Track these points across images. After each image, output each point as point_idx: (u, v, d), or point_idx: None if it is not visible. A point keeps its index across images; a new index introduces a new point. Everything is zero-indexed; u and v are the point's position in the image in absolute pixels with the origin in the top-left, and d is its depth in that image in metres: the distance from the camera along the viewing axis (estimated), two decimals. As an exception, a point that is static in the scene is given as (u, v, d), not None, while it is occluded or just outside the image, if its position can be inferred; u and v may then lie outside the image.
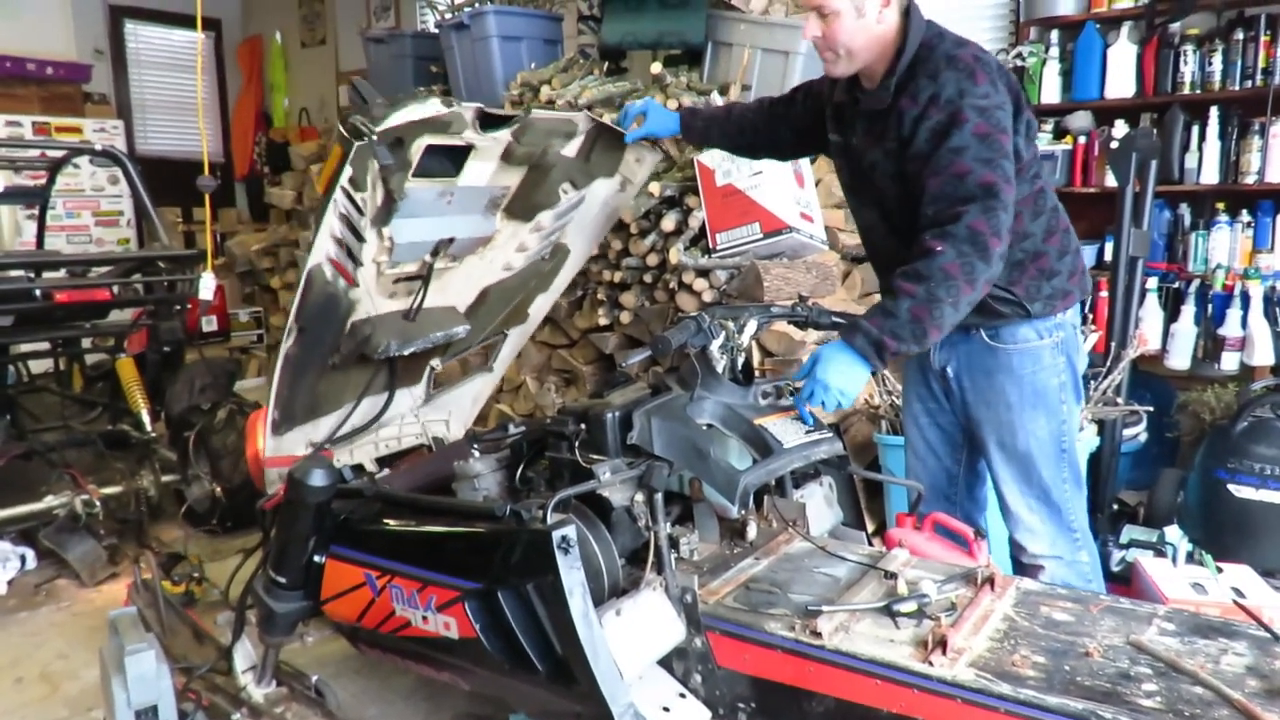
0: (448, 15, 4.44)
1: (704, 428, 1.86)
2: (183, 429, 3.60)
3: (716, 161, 3.24)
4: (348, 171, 1.90)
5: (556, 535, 1.58)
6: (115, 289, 3.45)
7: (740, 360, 1.99)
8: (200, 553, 3.21)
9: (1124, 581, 2.62)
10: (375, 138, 1.81)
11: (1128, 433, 3.73)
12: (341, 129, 1.81)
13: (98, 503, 3.29)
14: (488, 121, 2.12)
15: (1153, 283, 3.84)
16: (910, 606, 1.74)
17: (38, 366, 4.52)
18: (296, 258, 5.48)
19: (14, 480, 3.34)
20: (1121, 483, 3.84)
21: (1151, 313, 3.86)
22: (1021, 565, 2.24)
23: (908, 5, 1.98)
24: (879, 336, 1.86)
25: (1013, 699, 1.48)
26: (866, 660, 1.62)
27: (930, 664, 1.57)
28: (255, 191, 7.53)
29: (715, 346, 1.91)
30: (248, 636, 2.20)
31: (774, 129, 2.41)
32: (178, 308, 3.67)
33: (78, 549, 3.25)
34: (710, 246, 3.24)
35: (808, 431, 1.99)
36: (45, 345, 4.14)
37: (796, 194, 3.24)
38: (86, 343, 4.04)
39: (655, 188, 3.36)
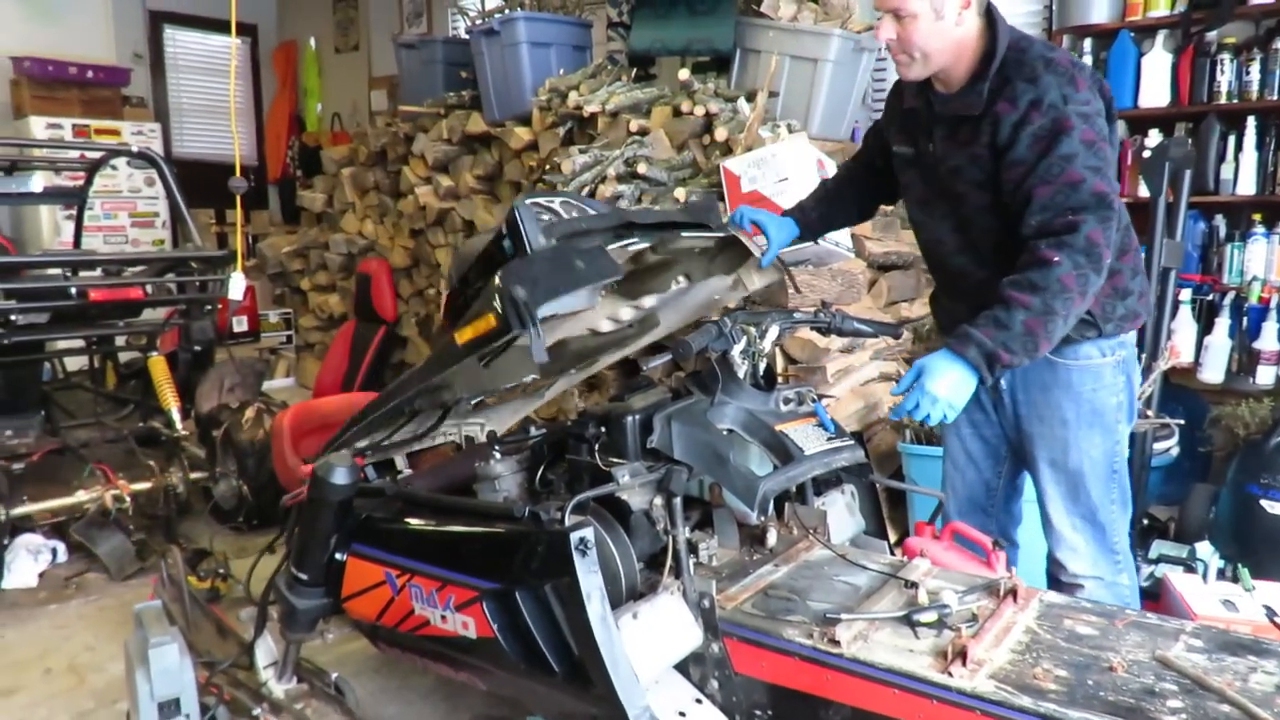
0: (478, 21, 4.48)
1: (724, 433, 1.86)
2: (211, 427, 3.65)
3: (742, 168, 3.23)
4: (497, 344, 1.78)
5: (574, 537, 1.58)
6: (148, 288, 3.51)
7: (762, 366, 1.98)
8: (226, 549, 3.25)
9: (1153, 597, 2.57)
10: (535, 329, 1.63)
11: (1159, 447, 3.67)
12: (498, 305, 1.64)
13: (127, 498, 3.34)
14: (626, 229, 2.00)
15: (1186, 294, 3.78)
16: (931, 617, 1.72)
17: (73, 364, 4.62)
18: (326, 260, 5.54)
19: (47, 475, 3.40)
20: (1153, 497, 3.78)
21: (1185, 325, 3.79)
22: (1060, 584, 2.18)
23: (988, 6, 1.93)
24: (992, 349, 1.79)
25: (1033, 712, 1.45)
26: (885, 669, 1.60)
27: (950, 675, 1.56)
28: (288, 194, 7.64)
29: (737, 352, 1.90)
30: (269, 633, 2.23)
31: (873, 179, 2.36)
32: (209, 307, 3.72)
33: (107, 544, 3.30)
34: (735, 252, 3.23)
35: (829, 439, 1.98)
36: (80, 343, 4.23)
37: (823, 201, 3.22)
38: (120, 341, 4.11)
39: (681, 193, 3.37)
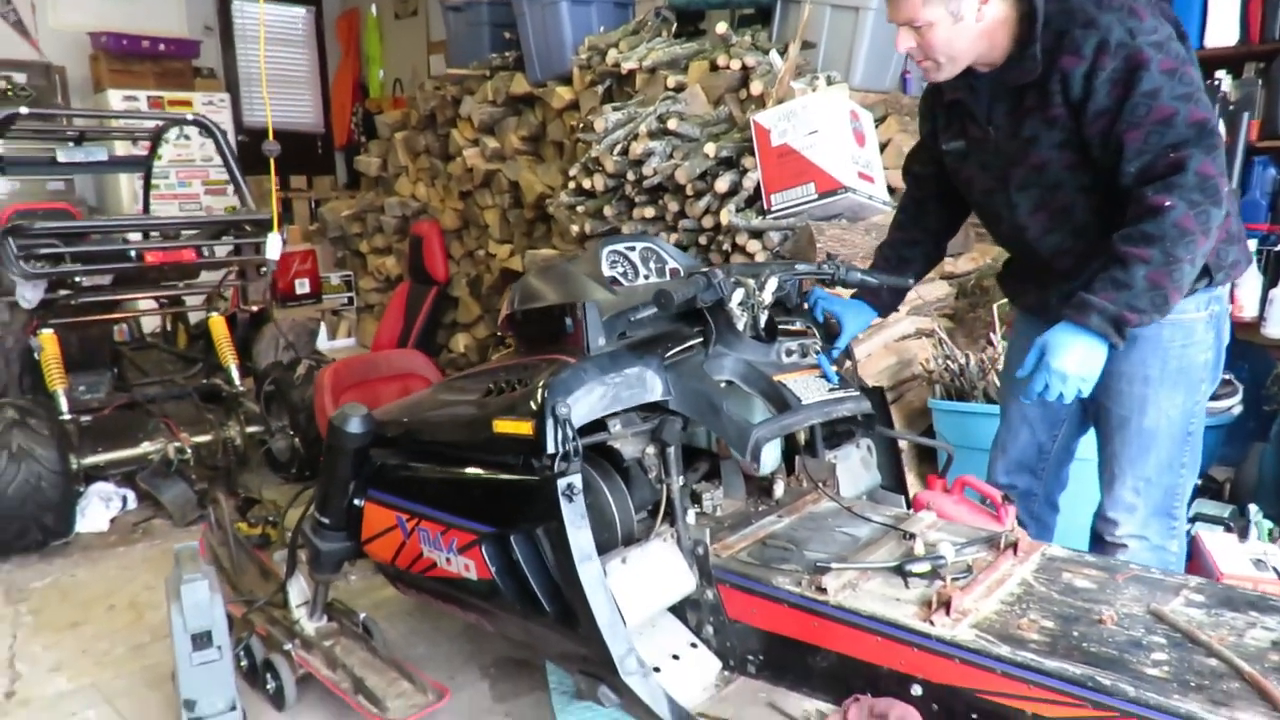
0: (521, -20, 4.47)
1: (722, 384, 1.87)
2: (265, 383, 3.82)
3: (772, 121, 3.19)
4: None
5: (561, 483, 1.63)
6: (204, 251, 3.67)
7: (763, 318, 1.97)
8: (279, 498, 3.42)
9: (1185, 557, 2.49)
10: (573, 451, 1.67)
11: (1220, 405, 3.51)
12: (539, 419, 1.66)
13: (189, 450, 3.54)
14: None
15: (1252, 244, 3.57)
16: (923, 567, 1.72)
17: (149, 326, 4.87)
18: (381, 223, 5.68)
19: (119, 428, 3.62)
20: (1213, 458, 3.63)
21: (1249, 277, 3.60)
22: (1103, 542, 2.08)
23: None
24: (1117, 312, 1.71)
25: (1009, 660, 1.45)
26: (868, 617, 1.62)
27: (931, 623, 1.56)
28: (353, 160, 7.82)
29: (735, 304, 1.90)
30: (300, 574, 2.35)
31: (940, 198, 2.22)
32: (263, 269, 3.87)
33: (170, 492, 3.51)
34: (765, 208, 3.20)
35: (830, 389, 1.97)
36: (151, 304, 4.47)
37: (855, 153, 3.16)
38: (192, 302, 4.32)
39: (711, 149, 3.34)
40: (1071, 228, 1.93)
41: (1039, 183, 1.90)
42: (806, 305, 2.17)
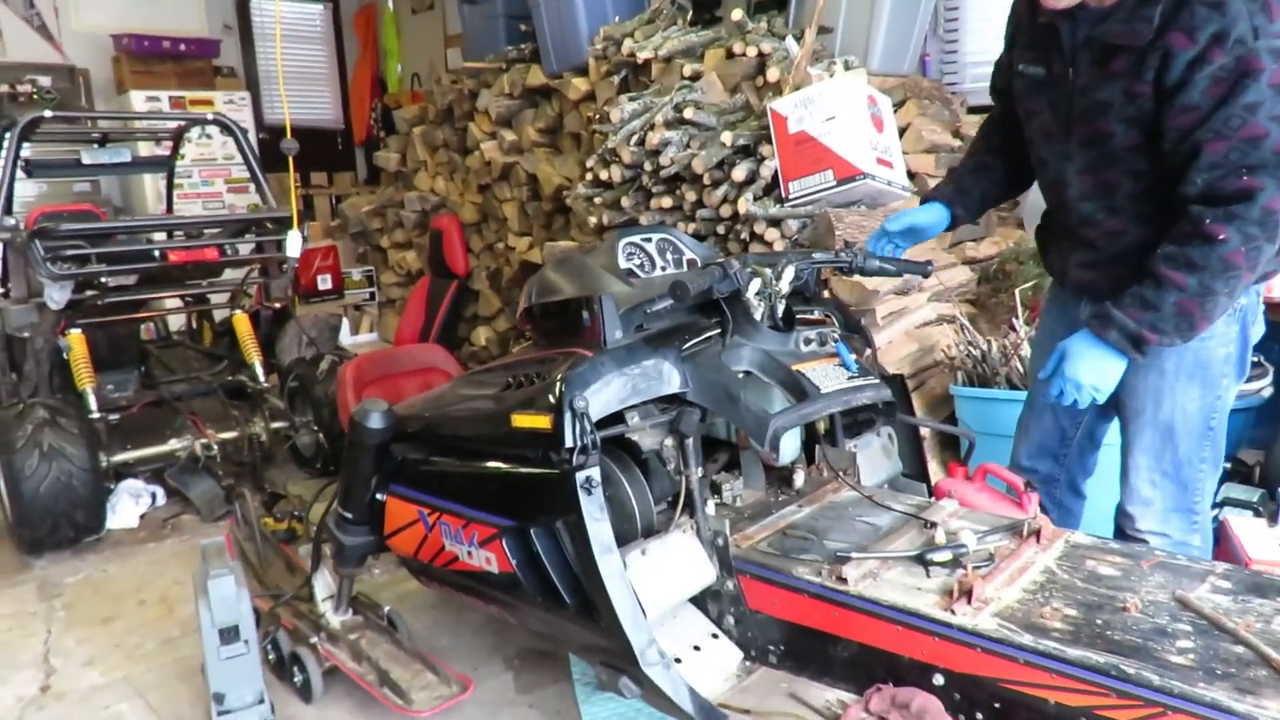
0: (535, -28, 4.47)
1: (740, 375, 1.86)
2: (289, 379, 3.86)
3: (789, 108, 3.16)
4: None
5: (580, 476, 1.63)
6: (227, 249, 3.71)
7: (780, 307, 1.97)
8: (304, 493, 3.46)
9: (1213, 543, 2.45)
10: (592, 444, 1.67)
11: (1250, 387, 3.45)
12: (558, 411, 1.66)
13: (215, 446, 3.59)
14: None
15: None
16: (945, 556, 1.71)
17: (175, 324, 4.94)
18: (401, 218, 5.71)
19: (148, 425, 3.68)
20: (1243, 441, 3.58)
21: (1279, 257, 3.53)
22: (1125, 536, 2.04)
23: None
24: (1137, 331, 1.70)
25: (1032, 649, 1.44)
26: (889, 607, 1.61)
27: (953, 612, 1.55)
28: (373, 156, 7.86)
29: (752, 294, 1.90)
30: (325, 568, 2.38)
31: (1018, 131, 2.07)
32: (285, 265, 3.91)
33: (198, 488, 3.56)
34: (783, 196, 3.18)
35: (850, 378, 1.96)
36: (177, 303, 4.52)
37: (874, 139, 3.13)
38: (216, 300, 4.37)
39: (728, 137, 3.32)
40: (1110, 204, 1.85)
41: (1097, 148, 1.81)
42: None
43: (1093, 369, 1.75)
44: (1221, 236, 1.61)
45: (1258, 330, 1.93)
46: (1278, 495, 2.71)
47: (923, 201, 2.19)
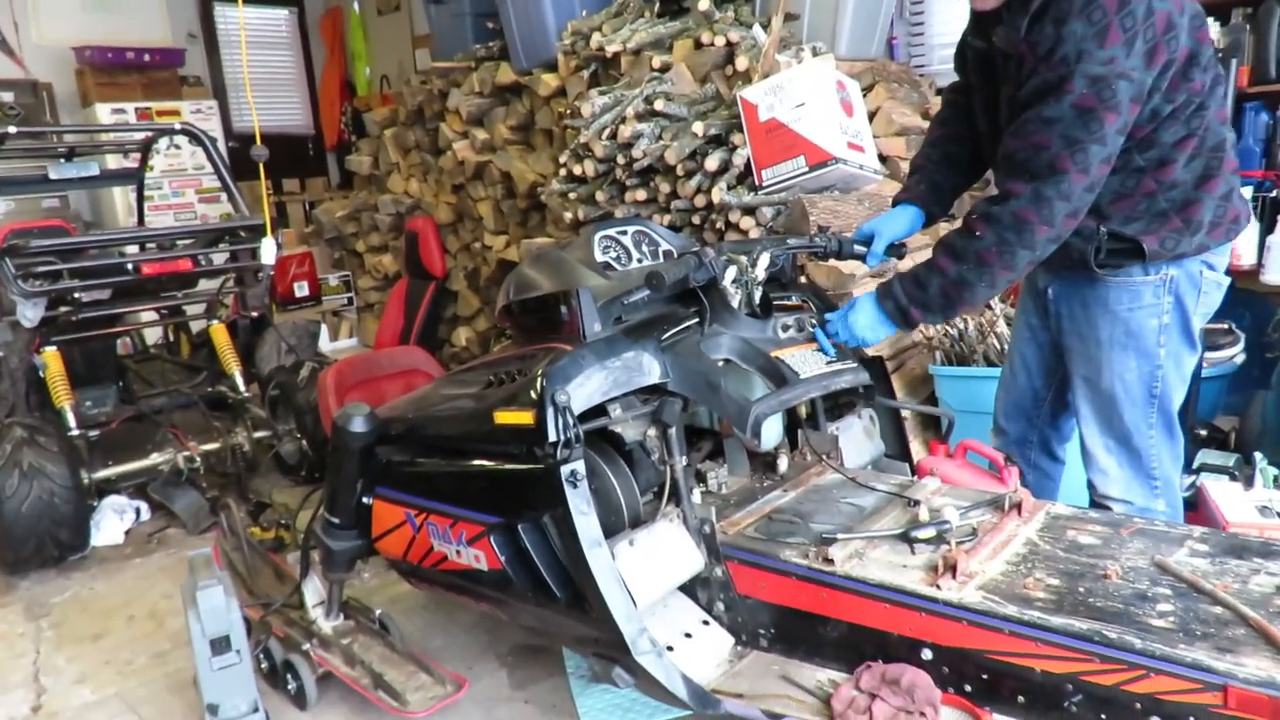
0: (500, -31, 4.45)
1: (719, 363, 1.88)
2: (269, 387, 3.84)
3: (759, 96, 3.18)
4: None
5: (564, 470, 1.64)
6: (199, 260, 3.68)
7: (757, 294, 1.98)
8: (289, 501, 3.44)
9: (1192, 508, 2.50)
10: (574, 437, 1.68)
11: (1222, 355, 3.51)
12: (540, 407, 1.67)
13: (198, 458, 3.56)
14: None
15: (1247, 192, 3.57)
16: (929, 533, 1.73)
17: (152, 337, 4.89)
18: (376, 221, 5.68)
19: (129, 441, 3.64)
20: (1219, 407, 3.63)
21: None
22: (1094, 504, 2.11)
23: None
24: (906, 305, 1.90)
25: (1016, 620, 1.46)
26: (876, 585, 1.63)
27: (938, 587, 1.57)
28: (344, 160, 7.80)
29: (729, 281, 1.91)
30: (315, 574, 2.37)
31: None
32: (260, 274, 3.88)
33: (182, 501, 3.53)
34: (757, 184, 3.20)
35: (828, 362, 1.98)
36: (152, 315, 4.48)
37: (844, 123, 3.15)
38: (193, 310, 4.33)
39: (699, 127, 3.33)
40: None
41: (999, 141, 1.88)
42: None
43: (865, 324, 1.96)
44: (978, 233, 1.78)
45: (1208, 300, 1.96)
46: (1253, 460, 2.75)
47: (894, 204, 2.22)
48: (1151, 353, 1.95)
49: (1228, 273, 2.00)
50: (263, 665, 2.35)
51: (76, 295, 3.46)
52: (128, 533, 3.51)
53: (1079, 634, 1.40)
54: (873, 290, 1.97)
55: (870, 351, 2.89)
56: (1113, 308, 1.95)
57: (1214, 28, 3.68)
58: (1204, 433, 3.30)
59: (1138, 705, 1.34)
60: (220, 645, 2.04)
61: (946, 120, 2.22)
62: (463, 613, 2.64)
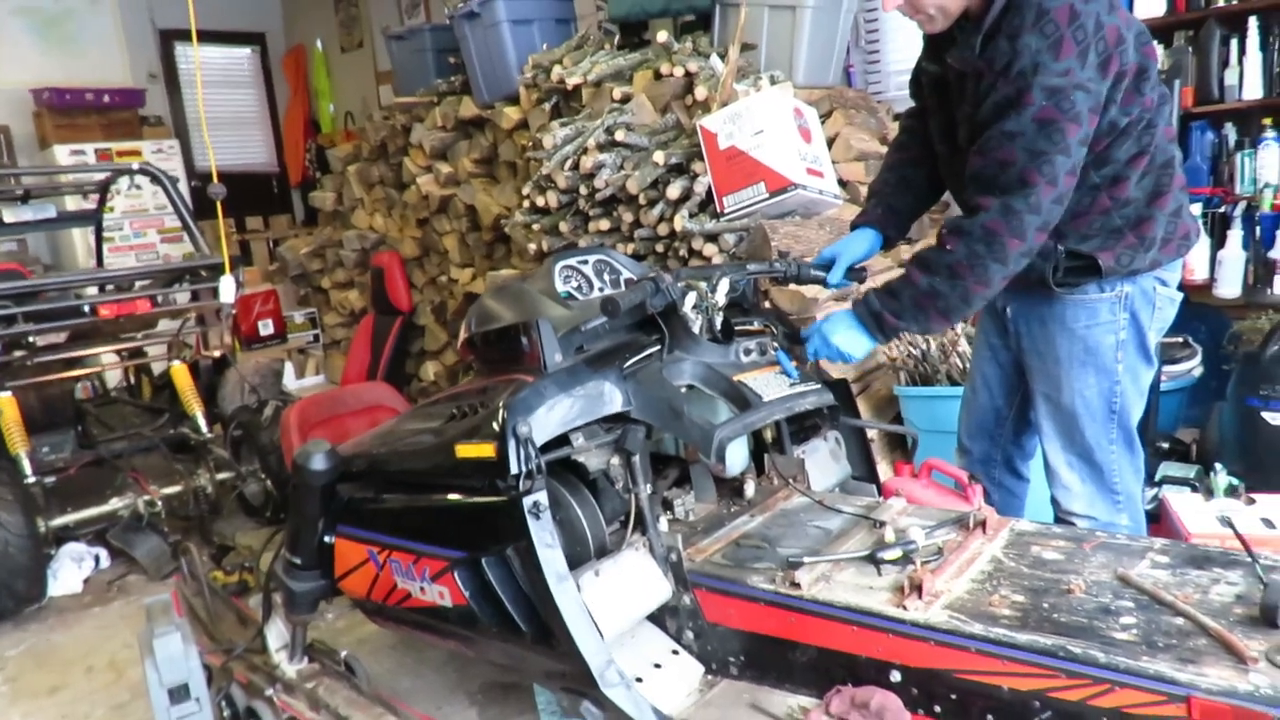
0: (460, 5, 4.49)
1: (682, 389, 1.87)
2: (233, 428, 3.78)
3: (718, 124, 3.21)
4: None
5: (527, 501, 1.61)
6: (158, 300, 3.63)
7: (718, 320, 1.98)
8: (254, 543, 3.38)
9: (1155, 520, 2.52)
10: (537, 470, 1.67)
11: (1181, 368, 3.58)
12: (502, 441, 1.66)
13: (158, 502, 3.49)
14: None
15: (1197, 209, 3.65)
16: (895, 554, 1.72)
17: (112, 380, 4.81)
18: (341, 257, 5.65)
19: (88, 486, 3.57)
20: (1179, 420, 3.69)
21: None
22: (1059, 520, 2.13)
23: None
24: (879, 310, 1.88)
25: (982, 638, 1.46)
26: (843, 608, 1.62)
27: (904, 608, 1.56)
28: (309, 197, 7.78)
29: (689, 307, 1.91)
30: (278, 617, 2.32)
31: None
32: (220, 312, 3.84)
33: (143, 546, 3.46)
34: (718, 211, 3.22)
35: (792, 384, 1.98)
36: (114, 358, 4.40)
37: (802, 149, 3.19)
38: (155, 352, 4.27)
39: (660, 156, 3.36)
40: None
41: (958, 162, 1.91)
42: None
43: (842, 338, 1.95)
44: (949, 247, 1.79)
45: (1162, 315, 1.99)
46: (1213, 471, 2.79)
47: (853, 228, 2.24)
48: (1110, 369, 1.98)
49: (1181, 288, 2.05)
50: (225, 713, 2.29)
51: (31, 339, 3.40)
52: (86, 581, 3.43)
53: (1044, 650, 1.40)
54: (847, 309, 1.96)
55: (835, 373, 2.91)
56: (1070, 325, 1.97)
57: (1158, 49, 3.80)
58: (1165, 445, 3.35)
59: (1104, 720, 1.34)
60: (179, 694, 1.99)
61: (903, 145, 2.24)
62: (431, 652, 2.59)
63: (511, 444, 1.61)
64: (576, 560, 1.75)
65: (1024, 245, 1.75)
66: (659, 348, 1.91)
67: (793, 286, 3.01)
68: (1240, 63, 3.58)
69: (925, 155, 2.16)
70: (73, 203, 5.16)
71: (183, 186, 6.15)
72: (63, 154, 6.69)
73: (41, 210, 4.17)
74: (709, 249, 3.19)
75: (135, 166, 4.00)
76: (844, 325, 1.95)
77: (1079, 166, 1.75)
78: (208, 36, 8.20)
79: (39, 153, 6.98)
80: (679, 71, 3.65)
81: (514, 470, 1.61)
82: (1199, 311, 3.77)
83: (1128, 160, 1.83)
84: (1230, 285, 3.62)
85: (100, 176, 4.34)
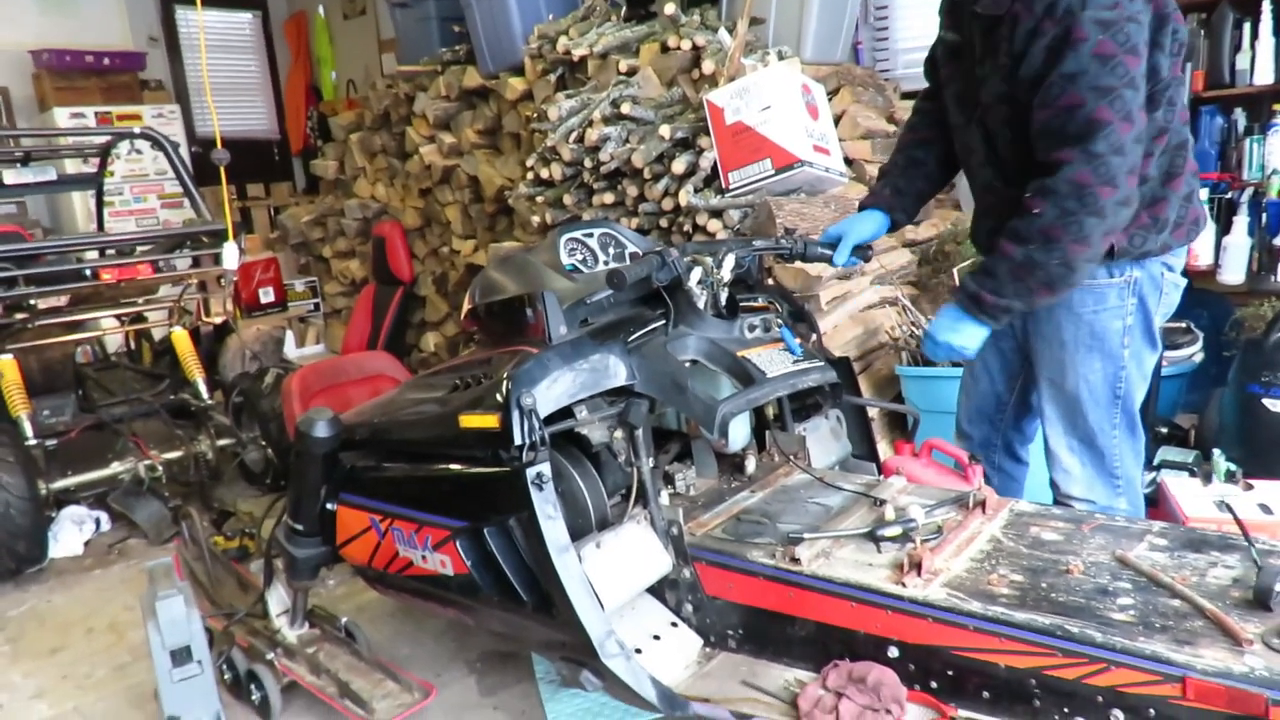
0: (465, -28, 4.43)
1: (686, 364, 1.87)
2: (233, 395, 3.78)
3: (725, 99, 3.19)
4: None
5: (530, 472, 1.63)
6: (159, 265, 3.62)
7: (723, 295, 1.98)
8: (254, 510, 3.39)
9: (1153, 504, 2.54)
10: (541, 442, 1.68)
11: (1182, 354, 3.58)
12: (505, 410, 1.66)
13: (159, 467, 3.50)
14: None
15: (1203, 194, 3.63)
16: (894, 531, 1.74)
17: (113, 345, 4.80)
18: (343, 226, 5.63)
19: (89, 450, 3.57)
20: (1179, 405, 3.70)
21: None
22: (1058, 503, 2.12)
23: None
24: (976, 292, 1.81)
25: (980, 616, 1.47)
26: (842, 584, 1.64)
27: (903, 585, 1.58)
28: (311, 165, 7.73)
29: (694, 282, 1.91)
30: (279, 582, 2.34)
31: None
32: (222, 280, 3.83)
33: (144, 511, 3.46)
34: (724, 186, 3.21)
35: (795, 361, 1.98)
36: (114, 323, 4.39)
37: (809, 126, 3.17)
38: (152, 317, 4.25)
39: (666, 130, 3.34)
40: (1004, 171, 1.92)
41: (989, 116, 1.87)
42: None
43: (948, 328, 1.88)
44: (1036, 210, 1.70)
45: (1168, 301, 1.99)
46: (1212, 456, 2.80)
47: (861, 208, 2.22)
48: (1116, 354, 1.97)
49: (1185, 274, 2.04)
50: (226, 676, 2.31)
51: (32, 301, 3.39)
52: (87, 544, 3.44)
53: (1041, 629, 1.41)
54: (947, 304, 1.92)
55: (837, 352, 2.91)
56: (1077, 310, 1.96)
57: (1170, 33, 3.76)
58: (1165, 430, 3.36)
59: (1099, 698, 1.36)
60: (181, 656, 2.00)
61: (914, 127, 2.22)
62: (430, 620, 2.61)
63: (515, 415, 1.62)
64: (578, 532, 1.76)
65: (1118, 193, 1.65)
66: (663, 322, 1.91)
67: (797, 264, 3.01)
68: (1253, 47, 3.55)
69: (936, 137, 2.14)
70: (73, 166, 5.11)
71: (184, 152, 6.09)
72: (62, 116, 6.62)
73: (42, 173, 4.15)
74: (713, 224, 3.18)
75: (137, 130, 3.97)
76: (948, 319, 1.89)
77: (1144, 103, 1.67)
78: (211, 1, 8.10)
79: (38, 114, 6.91)
80: (686, 45, 3.62)
81: (517, 441, 1.62)
82: (1202, 297, 3.76)
83: (1151, 137, 1.79)
84: (1234, 271, 3.61)
85: (101, 140, 4.30)
